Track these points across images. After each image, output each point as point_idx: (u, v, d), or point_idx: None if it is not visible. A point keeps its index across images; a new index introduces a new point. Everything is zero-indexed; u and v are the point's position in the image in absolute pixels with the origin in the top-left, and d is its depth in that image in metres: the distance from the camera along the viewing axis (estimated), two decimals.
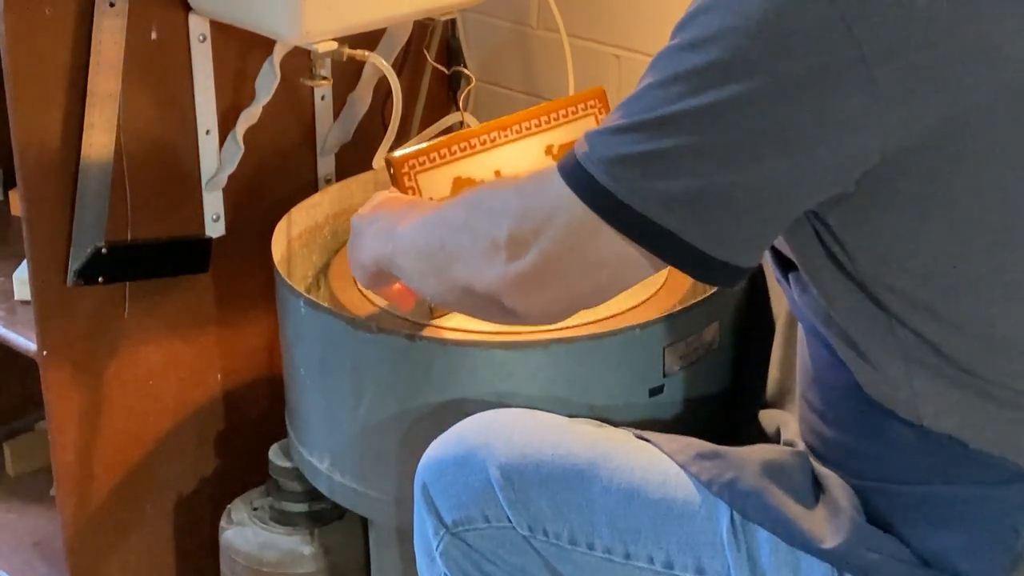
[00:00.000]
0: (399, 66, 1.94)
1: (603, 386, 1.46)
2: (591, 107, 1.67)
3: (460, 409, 1.44)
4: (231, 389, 1.94)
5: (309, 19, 1.58)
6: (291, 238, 1.74)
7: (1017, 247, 1.11)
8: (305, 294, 1.55)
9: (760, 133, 1.05)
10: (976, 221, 1.10)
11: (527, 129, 1.63)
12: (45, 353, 1.74)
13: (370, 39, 1.81)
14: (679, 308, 1.50)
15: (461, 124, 1.93)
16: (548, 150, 1.64)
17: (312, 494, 1.73)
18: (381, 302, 1.59)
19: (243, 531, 1.79)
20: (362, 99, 1.92)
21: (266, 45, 1.70)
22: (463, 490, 1.32)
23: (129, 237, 1.75)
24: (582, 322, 1.51)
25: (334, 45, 1.64)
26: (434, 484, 1.34)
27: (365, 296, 1.62)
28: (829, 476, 1.24)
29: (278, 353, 1.72)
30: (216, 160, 1.79)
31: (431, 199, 1.56)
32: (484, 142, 1.60)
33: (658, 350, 1.47)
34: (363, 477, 1.57)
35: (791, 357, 1.43)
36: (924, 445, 1.18)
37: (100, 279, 1.73)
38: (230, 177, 1.80)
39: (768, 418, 1.42)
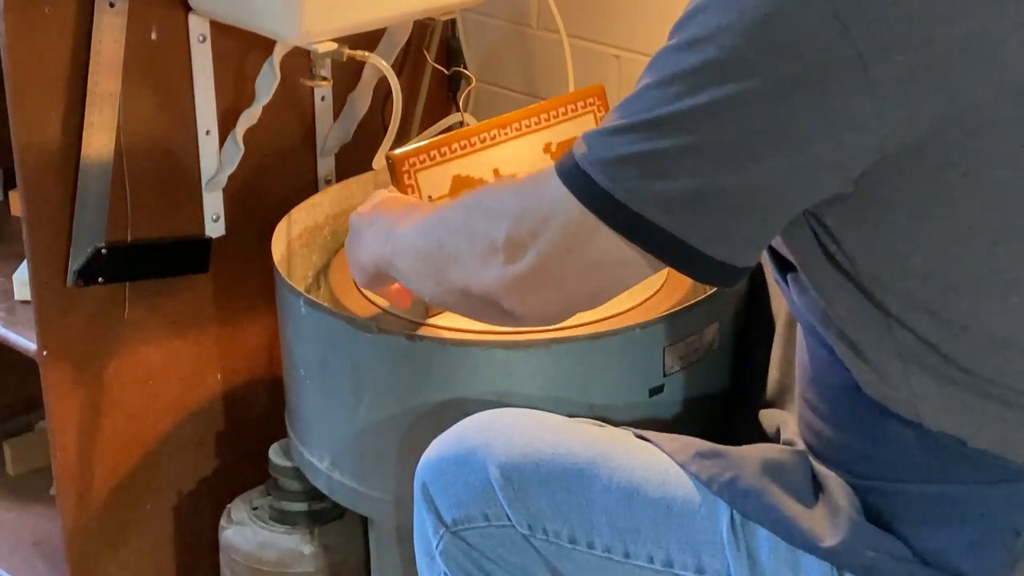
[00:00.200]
0: (399, 66, 1.94)
1: (603, 386, 1.46)
2: (590, 104, 1.67)
3: (460, 409, 1.44)
4: (231, 389, 1.94)
5: (309, 19, 1.58)
6: (291, 238, 1.74)
7: (1015, 246, 1.11)
8: (305, 294, 1.55)
9: (758, 132, 1.05)
10: (975, 220, 1.10)
11: (527, 127, 1.63)
12: (45, 353, 1.74)
13: (370, 39, 1.81)
14: (679, 308, 1.50)
15: (461, 124, 1.93)
16: (547, 148, 1.64)
17: (312, 493, 1.73)
18: (380, 301, 1.59)
19: (243, 530, 1.79)
20: (362, 99, 1.92)
21: (266, 45, 1.71)
22: (463, 489, 1.32)
23: (129, 237, 1.75)
24: (582, 322, 1.51)
25: (334, 45, 1.64)
26: (434, 483, 1.34)
27: (365, 296, 1.62)
28: (828, 475, 1.24)
29: (278, 353, 1.72)
30: (216, 160, 1.79)
31: (430, 197, 1.56)
32: (484, 140, 1.61)
33: (658, 350, 1.47)
34: (363, 477, 1.57)
35: (791, 357, 1.43)
36: (923, 444, 1.18)
37: (100, 279, 1.73)
38: (230, 177, 1.80)
39: (768, 418, 1.42)
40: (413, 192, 1.56)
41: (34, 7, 1.60)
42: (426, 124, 1.97)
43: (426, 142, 1.58)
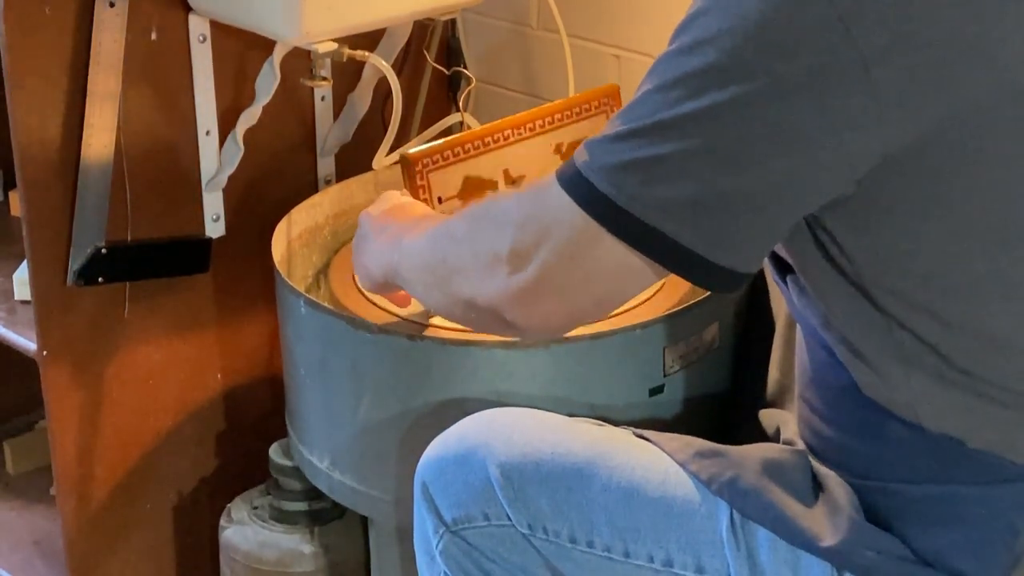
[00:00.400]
0: (399, 66, 1.94)
1: (603, 386, 1.47)
2: (604, 105, 1.65)
3: (460, 409, 1.44)
4: (231, 389, 1.94)
5: (309, 19, 1.58)
6: (291, 238, 1.74)
7: (1016, 247, 1.11)
8: (305, 294, 1.56)
9: (760, 135, 1.05)
10: (975, 221, 1.10)
11: (540, 127, 1.62)
12: (45, 353, 1.74)
13: (370, 39, 1.81)
14: (679, 308, 1.50)
15: (461, 124, 1.93)
16: (557, 148, 1.63)
17: (312, 493, 1.74)
18: (380, 300, 1.59)
19: (243, 530, 1.79)
20: (362, 100, 1.92)
21: (266, 45, 1.71)
22: (463, 489, 1.32)
23: (129, 237, 1.75)
24: None
25: (334, 46, 1.64)
26: (434, 483, 1.34)
27: (365, 296, 1.62)
28: (828, 475, 1.24)
29: (278, 353, 1.72)
30: (216, 160, 1.80)
31: (440, 198, 1.55)
32: (497, 140, 1.60)
33: (658, 350, 1.47)
34: (363, 476, 1.57)
35: (791, 357, 1.43)
36: (923, 445, 1.18)
37: (100, 279, 1.73)
38: (230, 177, 1.80)
39: (768, 418, 1.42)
40: (424, 192, 1.55)
41: (34, 7, 1.60)
42: (426, 124, 1.97)
43: (439, 142, 1.57)
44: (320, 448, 1.61)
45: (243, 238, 1.86)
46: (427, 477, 1.35)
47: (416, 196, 1.55)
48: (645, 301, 1.59)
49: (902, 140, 1.05)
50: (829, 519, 1.20)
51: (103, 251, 1.72)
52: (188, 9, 1.72)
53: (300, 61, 1.75)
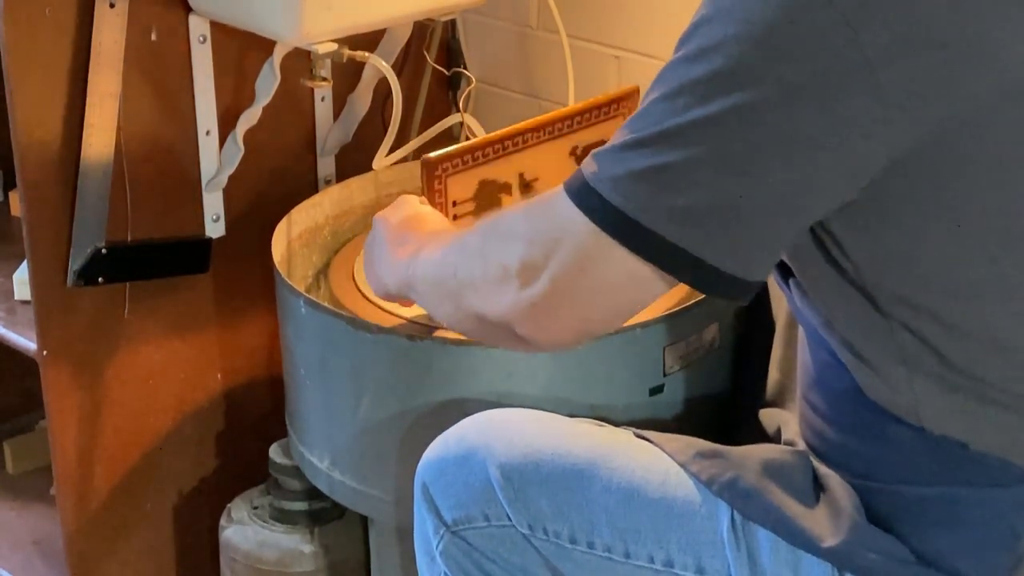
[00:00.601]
0: (399, 67, 1.94)
1: (603, 386, 1.47)
2: (624, 107, 1.64)
3: (460, 409, 1.44)
4: (231, 389, 1.94)
5: (309, 20, 1.59)
6: (291, 238, 1.74)
7: (1018, 249, 1.11)
8: (305, 294, 1.56)
9: (768, 141, 1.04)
10: (977, 223, 1.10)
11: (559, 130, 1.60)
12: (45, 353, 1.74)
13: (370, 40, 1.81)
14: (679, 308, 1.50)
15: (461, 125, 1.93)
16: (573, 151, 1.62)
17: (312, 493, 1.74)
18: (380, 300, 1.58)
19: (243, 530, 1.79)
20: (362, 100, 1.92)
21: (266, 46, 1.71)
22: (463, 489, 1.32)
23: (129, 237, 1.75)
24: None
25: (334, 46, 1.64)
26: (434, 483, 1.34)
27: (365, 296, 1.62)
28: (830, 476, 1.24)
29: (278, 353, 1.72)
30: (216, 161, 1.80)
31: (455, 202, 1.55)
32: (517, 144, 1.59)
33: (658, 350, 1.47)
34: (363, 476, 1.57)
35: (791, 357, 1.43)
36: (925, 447, 1.18)
37: (100, 279, 1.73)
38: (230, 177, 1.80)
39: (768, 418, 1.42)
40: (440, 196, 1.54)
41: (34, 7, 1.61)
42: (426, 125, 1.97)
43: (459, 146, 1.56)
44: (320, 448, 1.61)
45: (243, 238, 1.86)
46: (427, 477, 1.35)
47: (432, 199, 1.53)
48: None
49: (907, 143, 1.05)
50: (830, 520, 1.20)
51: (103, 251, 1.72)
52: (188, 9, 1.72)
53: (300, 61, 1.75)
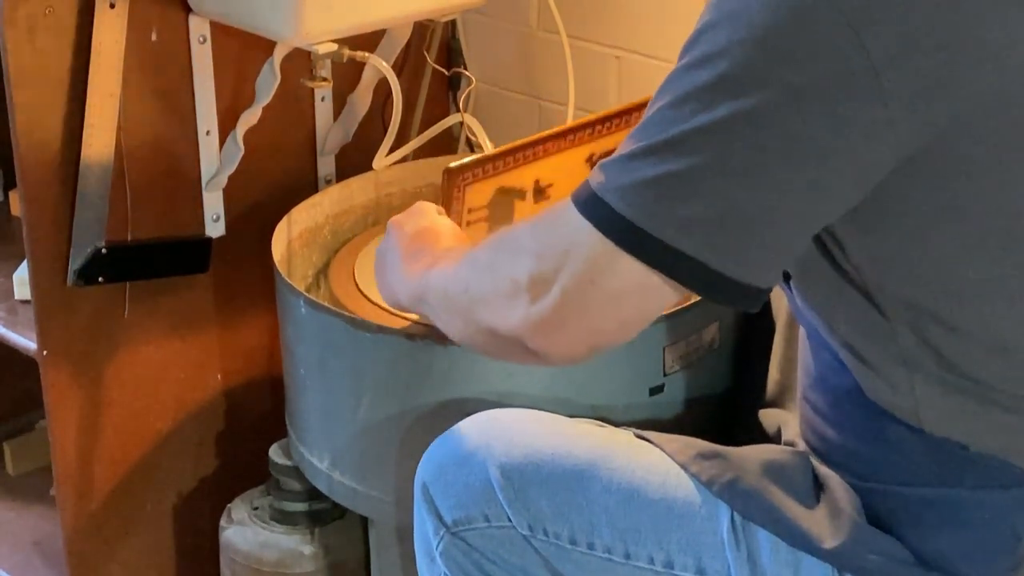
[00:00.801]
0: (399, 67, 1.94)
1: (603, 386, 1.47)
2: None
3: (460, 409, 1.44)
4: (231, 389, 1.94)
5: (309, 20, 1.59)
6: (291, 238, 1.74)
7: (1019, 252, 1.11)
8: (305, 294, 1.56)
9: (774, 147, 1.04)
10: (980, 227, 1.09)
11: (580, 139, 1.59)
12: (45, 353, 1.74)
13: (370, 40, 1.81)
14: (679, 308, 1.50)
15: (461, 125, 1.93)
16: (589, 158, 1.62)
17: (312, 493, 1.73)
18: (380, 300, 1.58)
19: (243, 530, 1.79)
20: (362, 100, 1.92)
21: (266, 46, 1.71)
22: (463, 490, 1.32)
23: (129, 237, 1.75)
24: None
25: (334, 46, 1.64)
26: (434, 484, 1.34)
27: (365, 296, 1.62)
28: (830, 476, 1.24)
29: (278, 353, 1.72)
30: (216, 160, 1.80)
31: (470, 209, 1.54)
32: (538, 153, 1.58)
33: (658, 350, 1.47)
34: (363, 477, 1.57)
35: (791, 357, 1.43)
36: (925, 448, 1.17)
37: (100, 279, 1.73)
38: (230, 177, 1.80)
39: (768, 418, 1.42)
40: (458, 204, 1.54)
41: (34, 7, 1.61)
42: (426, 125, 1.97)
43: (480, 155, 1.55)
44: (320, 448, 1.61)
45: (243, 238, 1.86)
46: (427, 478, 1.35)
47: (449, 206, 1.53)
48: None
49: (911, 147, 1.05)
50: (830, 521, 1.20)
51: (103, 251, 1.72)
52: (188, 10, 1.72)
53: (300, 61, 1.75)
